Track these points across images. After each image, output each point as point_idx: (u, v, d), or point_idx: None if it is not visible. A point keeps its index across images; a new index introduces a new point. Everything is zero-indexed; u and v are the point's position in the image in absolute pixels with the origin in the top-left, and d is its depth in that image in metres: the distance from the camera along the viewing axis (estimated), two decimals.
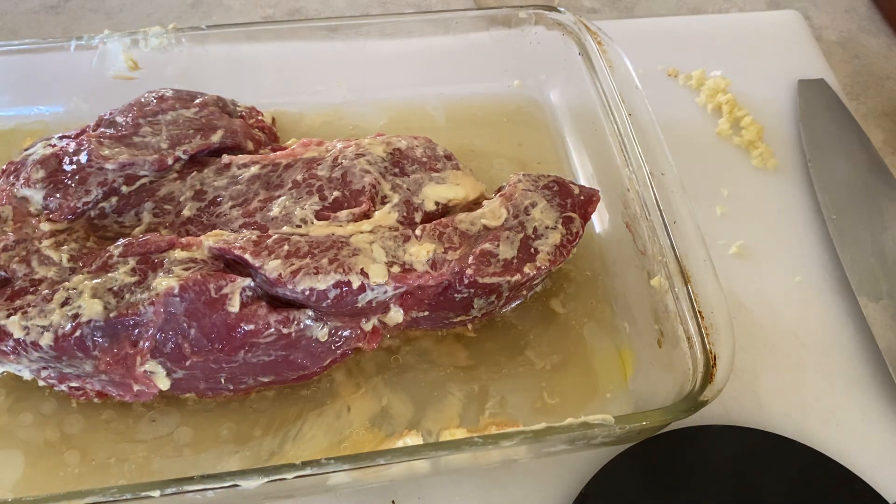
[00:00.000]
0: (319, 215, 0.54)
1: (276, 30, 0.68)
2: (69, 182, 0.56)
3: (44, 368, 0.50)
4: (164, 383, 0.50)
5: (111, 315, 0.47)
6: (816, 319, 0.62)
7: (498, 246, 0.54)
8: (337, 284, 0.49)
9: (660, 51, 0.79)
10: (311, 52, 0.69)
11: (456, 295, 0.53)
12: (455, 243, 0.54)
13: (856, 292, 0.62)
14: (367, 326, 0.53)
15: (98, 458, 0.52)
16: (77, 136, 0.59)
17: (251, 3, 0.90)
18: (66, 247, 0.52)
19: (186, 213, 0.56)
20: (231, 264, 0.51)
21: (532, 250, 0.54)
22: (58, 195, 0.55)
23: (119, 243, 0.52)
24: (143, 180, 0.57)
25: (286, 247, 0.51)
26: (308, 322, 0.50)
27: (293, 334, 0.50)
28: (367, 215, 0.55)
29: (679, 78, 0.78)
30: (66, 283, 0.49)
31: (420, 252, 0.52)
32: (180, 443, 0.53)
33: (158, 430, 0.53)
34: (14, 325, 0.48)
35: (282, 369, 0.52)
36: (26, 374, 0.51)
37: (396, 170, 0.59)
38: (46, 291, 0.49)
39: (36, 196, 0.55)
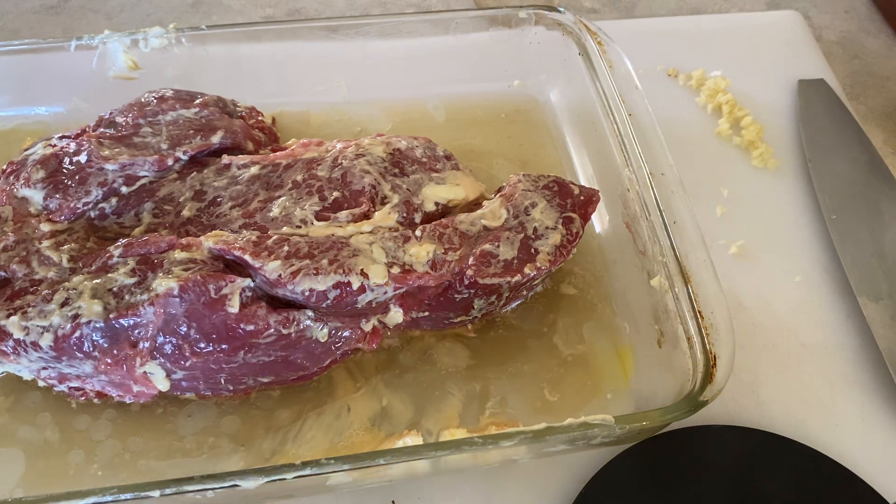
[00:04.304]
0: (319, 216, 0.54)
1: (276, 30, 0.68)
2: (69, 182, 0.56)
3: (44, 368, 0.50)
4: (163, 384, 0.50)
5: (111, 316, 0.47)
6: (816, 319, 0.62)
7: (498, 246, 0.54)
8: (337, 285, 0.49)
9: (660, 51, 0.79)
10: (311, 52, 0.69)
11: (456, 295, 0.53)
12: (455, 244, 0.54)
13: (856, 292, 0.62)
14: (367, 327, 0.53)
15: (100, 457, 0.52)
16: (77, 136, 0.59)
17: (251, 3, 0.90)
18: (66, 247, 0.52)
19: (186, 213, 0.56)
20: (231, 265, 0.51)
21: (532, 251, 0.54)
22: (58, 195, 0.55)
23: (119, 244, 0.51)
24: (143, 181, 0.57)
25: (286, 247, 0.51)
26: (308, 322, 0.50)
27: (293, 335, 0.50)
28: (366, 216, 0.55)
29: (679, 78, 0.78)
30: (66, 283, 0.49)
31: (420, 253, 0.52)
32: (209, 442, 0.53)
33: (164, 428, 0.53)
34: (14, 326, 0.48)
35: (282, 370, 0.52)
36: (26, 374, 0.51)
37: (396, 170, 0.59)
38: (46, 292, 0.49)
39: (36, 196, 0.55)
